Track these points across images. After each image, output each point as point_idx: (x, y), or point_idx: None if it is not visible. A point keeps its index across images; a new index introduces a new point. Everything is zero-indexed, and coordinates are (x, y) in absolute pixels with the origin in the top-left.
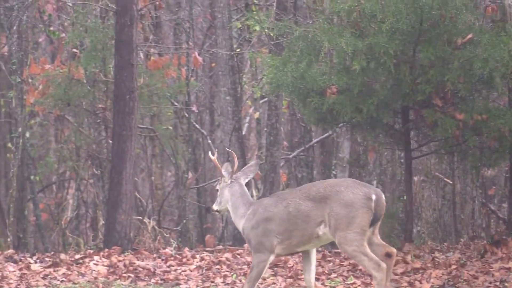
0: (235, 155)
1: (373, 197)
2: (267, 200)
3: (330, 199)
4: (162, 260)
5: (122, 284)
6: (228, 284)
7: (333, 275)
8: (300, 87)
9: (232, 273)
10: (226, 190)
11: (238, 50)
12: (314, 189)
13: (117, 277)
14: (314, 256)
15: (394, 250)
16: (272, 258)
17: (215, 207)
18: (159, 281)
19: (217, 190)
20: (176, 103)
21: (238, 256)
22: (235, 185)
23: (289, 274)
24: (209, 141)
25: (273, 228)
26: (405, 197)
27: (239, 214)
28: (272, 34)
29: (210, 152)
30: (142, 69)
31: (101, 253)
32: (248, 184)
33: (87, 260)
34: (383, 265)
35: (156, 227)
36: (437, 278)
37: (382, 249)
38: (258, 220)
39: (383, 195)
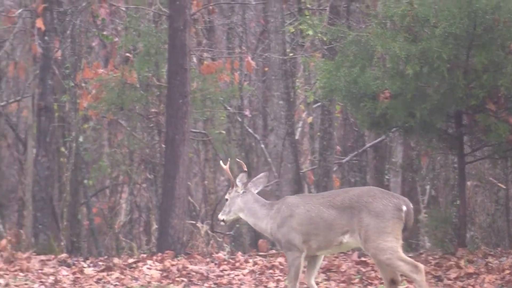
0: (244, 165)
1: (404, 208)
2: (291, 199)
3: (357, 209)
4: (215, 264)
5: None
6: None
7: None
8: (353, 92)
9: (285, 277)
10: (239, 200)
11: (291, 54)
12: (338, 198)
13: (170, 282)
14: (320, 262)
15: (399, 278)
16: (304, 254)
17: (221, 216)
18: (212, 286)
19: (226, 199)
20: (229, 108)
21: None
22: (248, 194)
23: (342, 279)
24: (262, 146)
25: (296, 226)
26: (458, 202)
27: (260, 216)
28: (325, 39)
29: (221, 161)
30: (195, 74)
31: (154, 257)
32: (300, 190)
33: (140, 264)
34: (421, 266)
35: (209, 231)
36: (490, 283)
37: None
38: (282, 217)
39: (411, 205)
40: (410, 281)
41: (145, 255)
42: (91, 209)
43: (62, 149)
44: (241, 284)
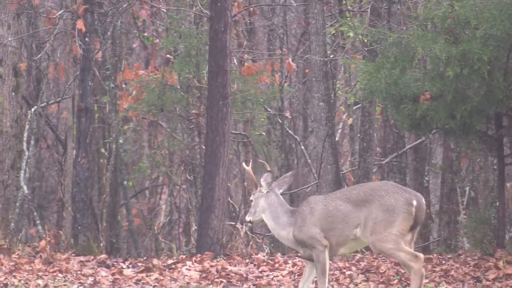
0: (268, 165)
1: (414, 202)
2: (312, 197)
3: (370, 202)
4: (255, 265)
5: None
6: None
7: (425, 280)
8: (393, 93)
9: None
10: (262, 200)
11: (331, 56)
12: (354, 192)
13: (209, 282)
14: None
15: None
16: (327, 249)
17: (248, 217)
18: (251, 287)
19: (251, 200)
20: (269, 109)
21: (330, 262)
22: (271, 194)
23: (381, 280)
24: (302, 147)
25: (315, 222)
26: (497, 203)
27: (282, 223)
28: (366, 40)
29: (244, 163)
30: (236, 75)
31: (194, 258)
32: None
33: (179, 265)
34: (421, 256)
35: (248, 232)
36: None
37: None
38: (303, 217)
39: (423, 200)
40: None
41: (184, 256)
42: (131, 210)
43: (102, 150)
44: (280, 285)
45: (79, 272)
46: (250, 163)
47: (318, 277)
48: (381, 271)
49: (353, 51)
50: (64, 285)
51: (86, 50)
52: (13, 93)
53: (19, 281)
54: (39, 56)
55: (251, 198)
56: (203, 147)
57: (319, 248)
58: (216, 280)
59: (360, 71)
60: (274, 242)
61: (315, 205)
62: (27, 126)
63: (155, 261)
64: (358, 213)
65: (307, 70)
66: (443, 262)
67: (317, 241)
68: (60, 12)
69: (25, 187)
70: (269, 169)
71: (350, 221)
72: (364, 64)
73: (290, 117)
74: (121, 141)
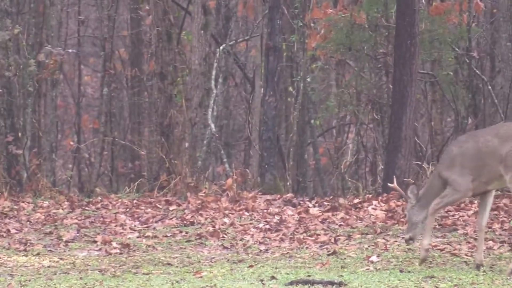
0: (411, 180)
1: None
2: (461, 137)
3: None
4: None
5: (400, 229)
6: (505, 230)
7: None
8: None
9: (510, 219)
10: (415, 210)
11: None
12: (504, 128)
13: (395, 222)
14: (491, 199)
15: None
16: (469, 194)
17: (406, 236)
18: (437, 226)
19: (405, 215)
20: (456, 49)
21: None
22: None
23: None
24: (489, 87)
25: (466, 164)
26: None
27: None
28: None
29: (388, 184)
30: (424, 15)
31: (380, 198)
32: None
33: (365, 204)
34: None
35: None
36: None
37: None
38: (452, 157)
39: None
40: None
41: (370, 196)
42: (318, 149)
43: (290, 88)
44: (465, 225)
45: (265, 210)
46: (395, 181)
47: (441, 200)
48: None
49: None
50: (250, 223)
51: None
52: (202, 31)
53: (206, 219)
54: None
55: (404, 213)
56: (390, 86)
57: (459, 194)
58: (402, 219)
59: None
60: None
61: (465, 144)
62: (215, 64)
63: (341, 200)
64: (503, 148)
65: (494, 10)
66: None
67: (460, 187)
68: None
69: (212, 125)
70: (412, 182)
71: (497, 157)
72: None
73: (477, 57)
74: (308, 79)
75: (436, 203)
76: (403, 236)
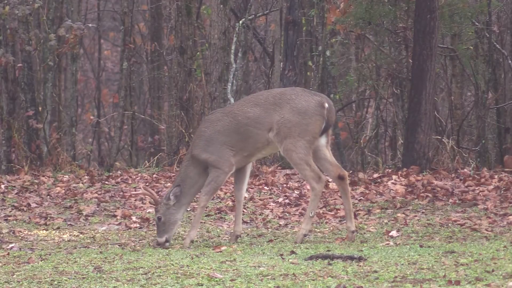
0: None
1: (326, 105)
2: (209, 117)
3: (280, 106)
4: (460, 180)
5: (420, 203)
6: None
7: None
8: None
9: None
10: (172, 210)
11: None
12: (262, 97)
13: (415, 197)
14: (248, 171)
15: (346, 173)
16: (232, 170)
17: (162, 238)
18: (457, 201)
19: (158, 219)
20: (477, 23)
21: None
22: None
23: None
24: (510, 62)
25: (225, 140)
26: None
27: None
28: None
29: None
30: None
31: (399, 173)
32: None
33: (385, 179)
34: (324, 177)
35: (454, 147)
36: None
37: (335, 170)
38: (207, 138)
39: (332, 102)
40: None
41: (390, 170)
42: (337, 123)
43: (309, 63)
44: (485, 200)
45: (284, 185)
46: (142, 187)
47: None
48: None
49: None
50: (270, 198)
51: None
52: (221, 6)
53: (225, 193)
54: None
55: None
56: (410, 60)
57: (223, 170)
58: (422, 194)
59: None
60: (480, 157)
61: (220, 123)
62: (234, 39)
63: (361, 175)
64: (269, 117)
65: None
66: None
67: (220, 164)
68: None
69: (232, 99)
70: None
71: (262, 126)
72: None
73: (497, 31)
74: (328, 54)
75: (205, 192)
76: (158, 239)
